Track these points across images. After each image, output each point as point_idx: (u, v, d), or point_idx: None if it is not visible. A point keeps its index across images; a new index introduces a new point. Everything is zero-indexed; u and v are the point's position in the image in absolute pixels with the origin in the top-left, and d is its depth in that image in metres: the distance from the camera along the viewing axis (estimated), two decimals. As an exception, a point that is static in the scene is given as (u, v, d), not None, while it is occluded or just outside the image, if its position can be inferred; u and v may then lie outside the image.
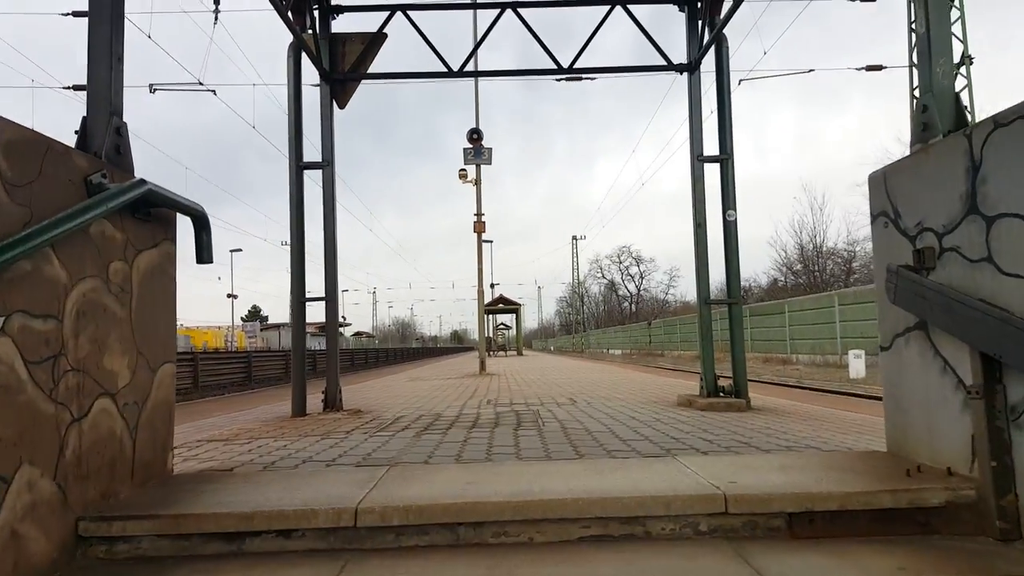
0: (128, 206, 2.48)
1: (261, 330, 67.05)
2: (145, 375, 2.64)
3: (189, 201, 2.92)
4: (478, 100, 14.48)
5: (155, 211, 2.76)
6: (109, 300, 2.41)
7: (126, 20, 2.73)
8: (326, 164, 6.53)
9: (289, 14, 5.96)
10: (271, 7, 5.58)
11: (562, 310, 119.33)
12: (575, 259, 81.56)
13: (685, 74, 6.75)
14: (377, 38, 6.76)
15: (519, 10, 6.69)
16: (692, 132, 6.57)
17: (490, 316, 44.62)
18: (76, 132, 2.59)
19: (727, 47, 6.36)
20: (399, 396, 8.63)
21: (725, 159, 6.46)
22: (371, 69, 6.91)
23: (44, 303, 2.05)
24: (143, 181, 2.47)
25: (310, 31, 6.62)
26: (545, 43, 6.91)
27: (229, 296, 52.99)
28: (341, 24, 6.86)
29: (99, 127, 2.59)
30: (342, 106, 6.76)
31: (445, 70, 6.75)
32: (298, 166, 6.44)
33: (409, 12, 6.77)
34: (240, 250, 50.77)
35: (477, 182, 14.82)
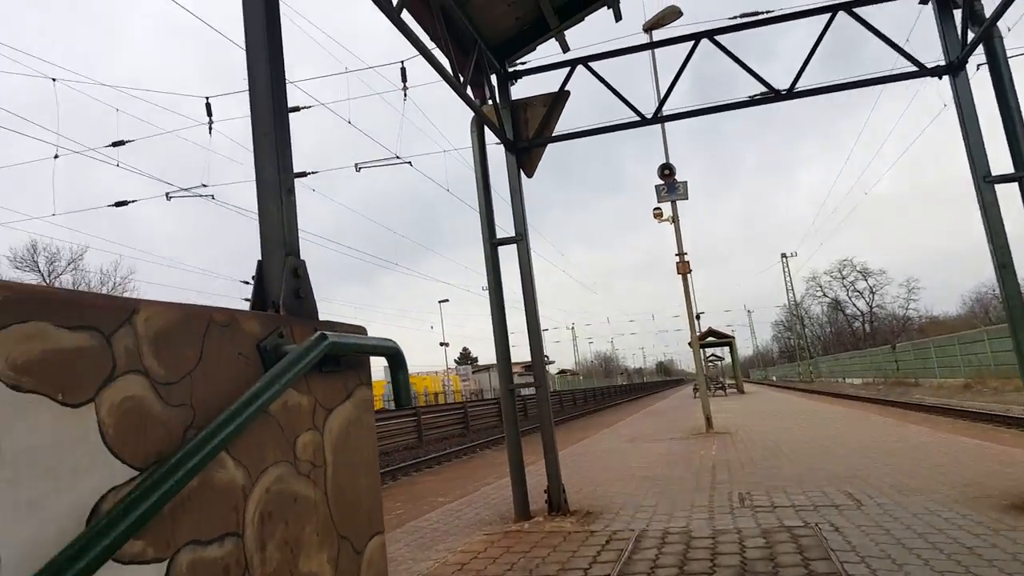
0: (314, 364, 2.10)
1: (473, 372, 70.83)
2: (350, 562, 2.21)
3: (380, 341, 2.52)
4: (667, 142, 13.63)
5: (345, 360, 2.39)
6: (300, 485, 2.02)
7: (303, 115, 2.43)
8: (520, 238, 6.15)
9: (469, 89, 5.74)
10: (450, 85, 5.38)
11: (779, 335, 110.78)
12: (787, 278, 75.53)
13: (946, 78, 5.45)
14: (559, 98, 6.34)
15: (716, 37, 5.89)
16: (970, 147, 5.26)
17: (701, 350, 42.24)
18: (251, 279, 2.30)
19: (1000, 38, 5.03)
20: (622, 476, 7.83)
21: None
22: (555, 128, 6.50)
23: (219, 520, 1.67)
24: (324, 336, 2.07)
25: (490, 101, 6.38)
26: (748, 66, 6.02)
27: (442, 344, 56.79)
28: (521, 89, 6.56)
29: (274, 272, 2.27)
30: (529, 174, 6.39)
31: (636, 119, 6.11)
32: (491, 243, 6.13)
33: (591, 63, 6.28)
34: (447, 300, 54.29)
35: (674, 219, 13.86)
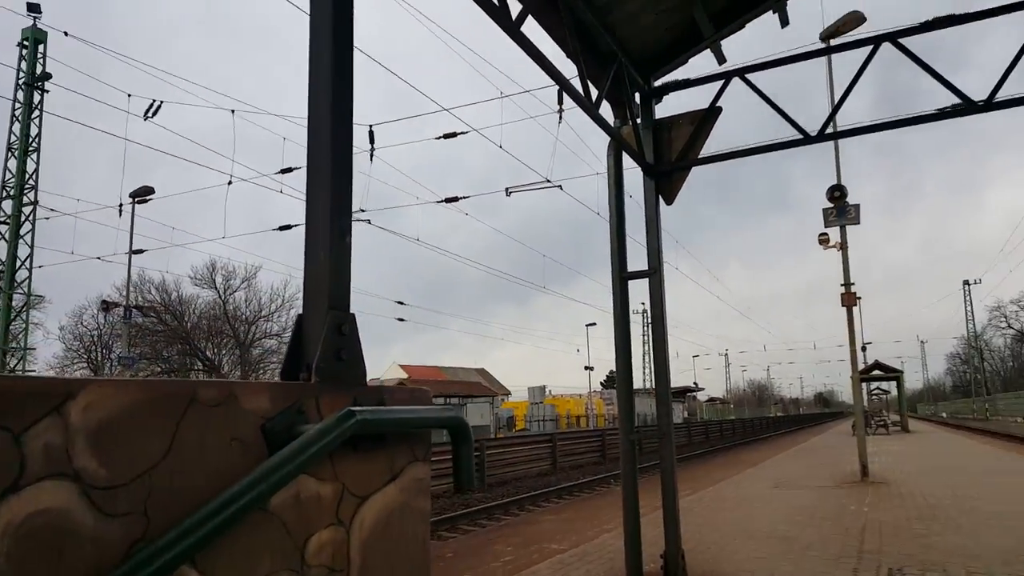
0: (346, 441, 1.74)
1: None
2: None
3: (438, 412, 2.13)
4: (839, 160, 12.19)
5: (394, 434, 2.01)
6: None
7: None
8: (652, 272, 5.54)
9: (608, 108, 5.26)
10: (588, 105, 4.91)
11: (954, 368, 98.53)
12: (968, 307, 66.92)
13: None
14: (709, 115, 5.66)
15: (901, 40, 4.95)
16: None
17: (864, 384, 38.27)
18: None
19: None
20: (757, 535, 6.91)
21: None
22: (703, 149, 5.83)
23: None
24: (351, 412, 1.70)
25: (632, 122, 5.84)
26: (938, 72, 5.00)
27: (586, 368, 55.86)
28: (667, 107, 5.96)
29: (315, 329, 1.95)
30: (669, 201, 5.76)
31: (798, 136, 5.29)
32: (622, 276, 5.58)
33: (748, 75, 5.55)
34: (595, 324, 53.26)
35: (843, 246, 12.37)
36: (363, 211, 21.39)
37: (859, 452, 11.65)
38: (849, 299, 11.96)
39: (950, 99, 5.10)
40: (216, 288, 45.27)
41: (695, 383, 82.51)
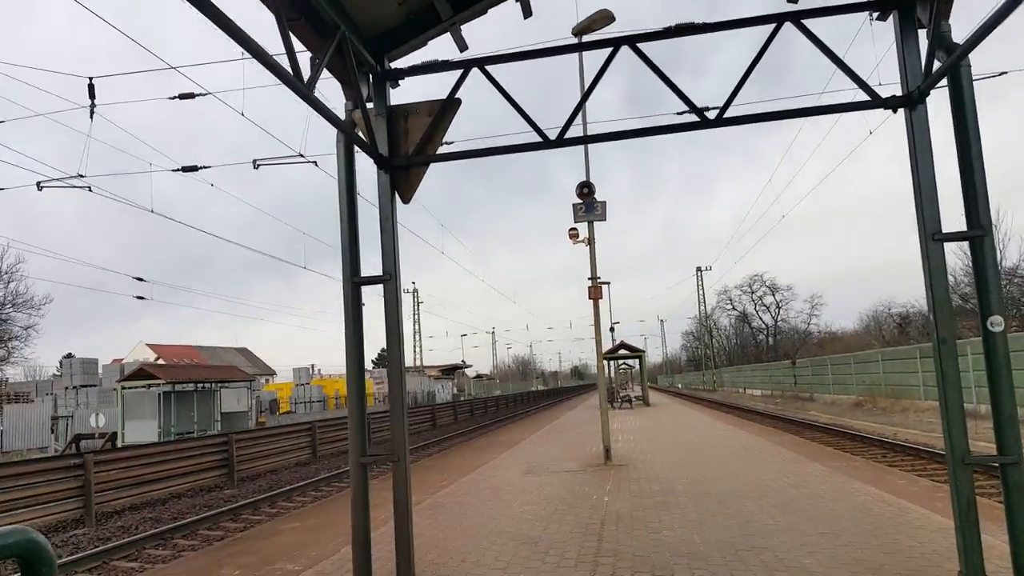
0: None
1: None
2: None
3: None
4: (588, 157, 12.71)
5: None
6: None
7: None
8: (387, 278, 4.96)
9: (336, 89, 4.51)
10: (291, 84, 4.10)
11: (688, 344, 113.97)
12: (700, 291, 77.60)
13: (901, 112, 4.63)
14: (448, 106, 5.17)
15: (640, 45, 4.89)
16: (920, 194, 4.45)
17: (610, 362, 42.20)
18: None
19: (969, 69, 4.22)
20: (501, 535, 6.71)
21: (980, 236, 4.27)
22: (443, 143, 5.35)
23: None
24: None
25: (362, 108, 5.15)
26: (674, 82, 5.06)
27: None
28: (402, 95, 5.37)
29: None
30: (407, 199, 5.20)
31: (538, 140, 5.03)
32: (353, 282, 4.92)
33: (488, 67, 5.15)
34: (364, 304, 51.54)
35: (590, 241, 12.97)
36: (81, 176, 18.02)
37: (604, 437, 12.36)
38: (596, 292, 12.56)
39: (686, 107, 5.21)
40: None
41: (463, 360, 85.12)
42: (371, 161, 5.10)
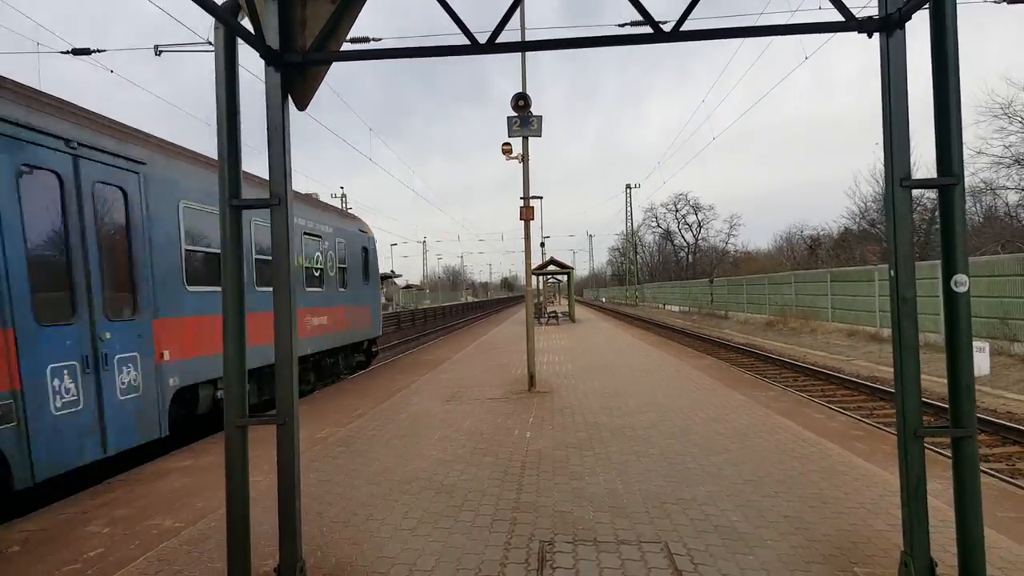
0: None
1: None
2: None
3: None
4: (525, 68, 11.64)
5: None
6: None
7: None
8: (276, 202, 4.10)
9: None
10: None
11: (615, 260, 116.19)
12: (628, 208, 78.23)
13: (876, 36, 4.00)
14: (355, -9, 4.18)
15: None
16: (891, 135, 3.89)
17: (540, 277, 42.20)
18: None
19: None
20: (413, 482, 6.23)
21: (952, 185, 3.80)
22: (349, 38, 4.37)
23: None
24: None
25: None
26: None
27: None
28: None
29: None
30: (302, 106, 4.28)
31: (466, 43, 4.16)
32: (232, 205, 4.05)
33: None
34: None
35: (524, 159, 12.15)
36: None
37: (528, 363, 12.02)
38: (527, 214, 11.87)
39: (633, 15, 4.42)
40: None
41: (392, 271, 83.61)
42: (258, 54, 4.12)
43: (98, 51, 17.24)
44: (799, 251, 62.62)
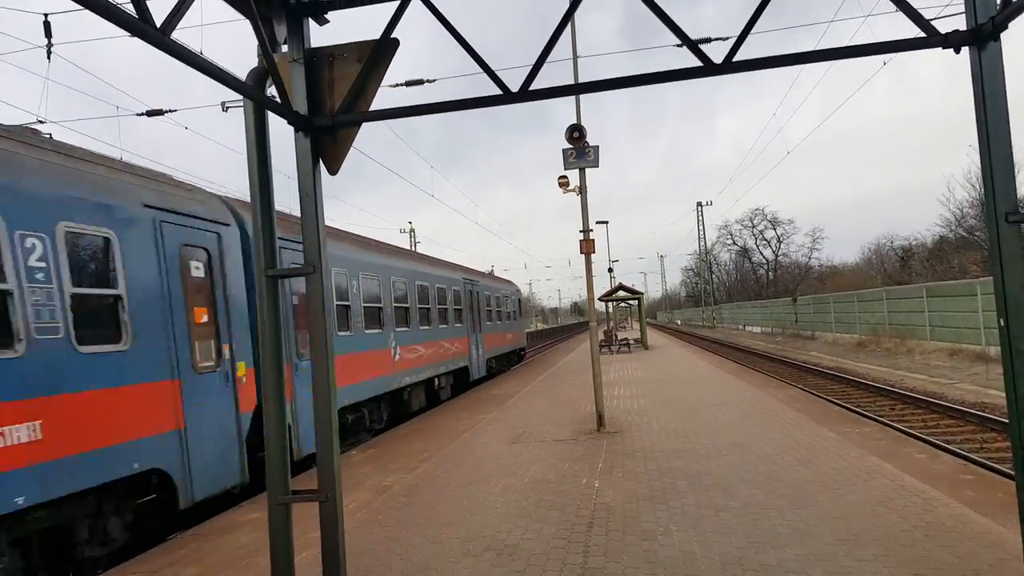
0: None
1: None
2: None
3: None
4: (579, 101, 11.42)
5: None
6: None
7: None
8: (311, 270, 3.95)
9: (246, 32, 3.39)
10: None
11: (688, 280, 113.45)
12: (701, 226, 76.45)
13: (964, 50, 3.53)
14: (384, 48, 4.05)
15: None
16: (991, 167, 3.38)
17: (609, 304, 41.50)
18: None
19: None
20: (469, 541, 5.90)
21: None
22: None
23: None
24: None
25: (283, 48, 4.03)
26: (677, 25, 3.93)
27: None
28: (324, 36, 4.22)
29: None
30: (334, 170, 4.14)
31: (499, 93, 3.93)
32: (268, 275, 3.93)
33: (433, -4, 4.01)
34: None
35: (582, 190, 11.85)
36: (41, 122, 16.90)
37: (596, 402, 11.56)
38: (587, 247, 11.52)
39: (693, 34, 4.09)
40: None
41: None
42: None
43: (170, 111, 18.20)
44: (890, 264, 59.32)
